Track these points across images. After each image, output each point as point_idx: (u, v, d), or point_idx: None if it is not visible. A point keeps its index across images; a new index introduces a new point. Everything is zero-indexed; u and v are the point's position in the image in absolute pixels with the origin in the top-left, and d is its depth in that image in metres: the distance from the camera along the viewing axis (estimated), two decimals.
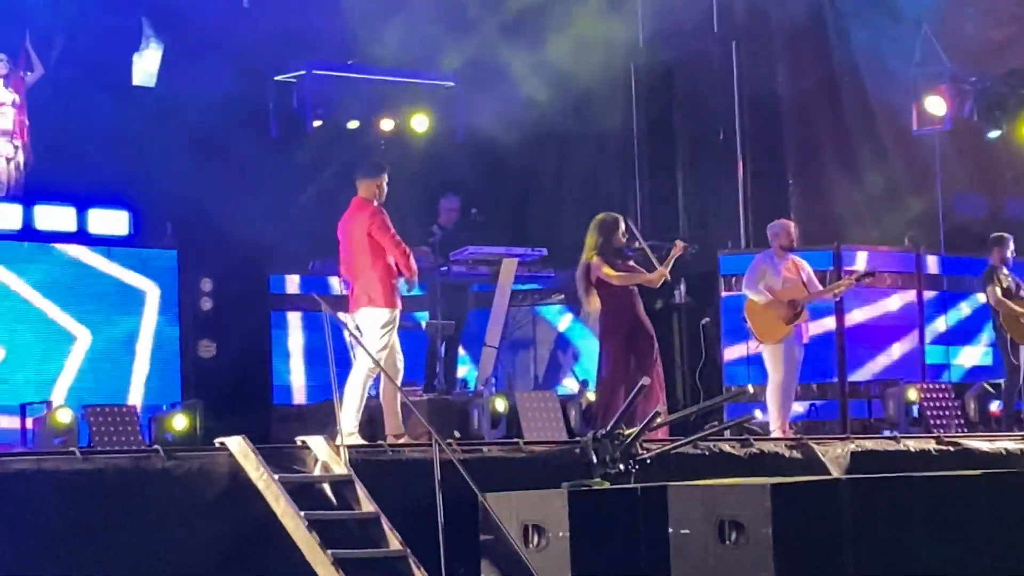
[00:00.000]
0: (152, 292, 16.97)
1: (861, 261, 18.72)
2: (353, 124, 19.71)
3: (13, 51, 17.24)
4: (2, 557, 10.52)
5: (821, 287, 16.45)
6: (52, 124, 17.71)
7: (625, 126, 21.69)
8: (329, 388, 13.13)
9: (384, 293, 13.53)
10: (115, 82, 18.95)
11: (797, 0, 20.95)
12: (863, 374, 18.87)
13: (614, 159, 21.56)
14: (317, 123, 19.34)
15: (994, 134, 20.26)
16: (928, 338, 19.45)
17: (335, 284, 17.75)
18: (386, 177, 13.91)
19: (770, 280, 16.08)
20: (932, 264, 19.80)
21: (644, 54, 21.32)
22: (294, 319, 18.41)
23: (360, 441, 13.28)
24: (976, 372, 19.44)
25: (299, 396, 18.07)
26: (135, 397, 16.49)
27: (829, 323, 18.24)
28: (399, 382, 13.63)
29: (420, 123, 20.00)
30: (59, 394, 16.03)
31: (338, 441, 12.14)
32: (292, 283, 18.60)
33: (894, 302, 19.48)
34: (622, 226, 15.05)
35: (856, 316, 18.85)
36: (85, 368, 16.48)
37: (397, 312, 13.61)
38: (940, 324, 19.63)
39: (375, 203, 13.70)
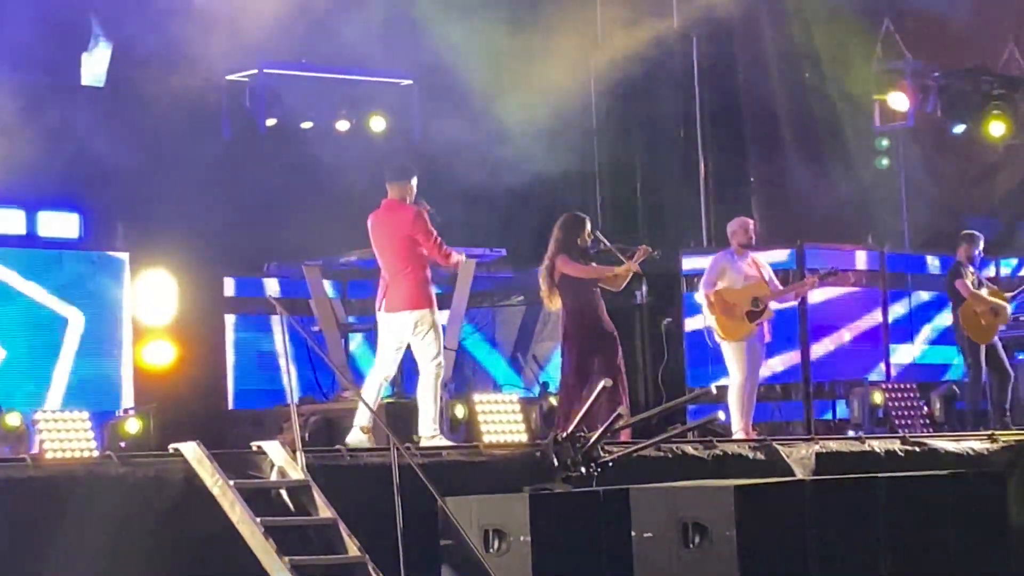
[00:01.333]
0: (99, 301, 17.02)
1: (824, 260, 18.80)
2: (307, 124, 19.65)
3: None
4: None
5: (782, 287, 16.50)
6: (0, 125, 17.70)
7: (585, 125, 21.69)
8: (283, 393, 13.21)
9: (425, 295, 13.92)
10: (64, 82, 18.91)
11: None
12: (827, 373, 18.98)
13: (573, 158, 21.55)
14: (271, 122, 19.26)
15: (959, 129, 20.31)
16: (892, 337, 19.53)
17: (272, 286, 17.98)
18: (416, 180, 14.15)
19: (731, 278, 16.12)
20: (895, 262, 19.88)
21: (604, 50, 21.31)
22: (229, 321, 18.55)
23: (445, 442, 13.61)
24: (942, 369, 19.52)
25: (253, 400, 18.00)
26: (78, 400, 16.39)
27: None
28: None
29: (377, 124, 20.03)
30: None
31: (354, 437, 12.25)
32: (269, 285, 18.69)
33: (859, 301, 19.57)
34: (587, 226, 15.09)
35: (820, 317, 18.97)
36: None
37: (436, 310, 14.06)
38: (903, 321, 19.71)
39: (410, 204, 13.98)
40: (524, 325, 19.84)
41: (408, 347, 14.00)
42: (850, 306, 19.55)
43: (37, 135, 17.88)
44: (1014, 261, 20.34)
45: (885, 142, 21.54)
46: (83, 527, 11.02)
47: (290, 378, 16.26)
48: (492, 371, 19.93)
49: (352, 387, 15.59)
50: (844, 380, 18.94)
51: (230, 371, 18.20)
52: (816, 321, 18.83)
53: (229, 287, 18.61)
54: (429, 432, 13.60)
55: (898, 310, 19.73)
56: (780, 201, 20.94)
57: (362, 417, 13.75)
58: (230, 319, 18.46)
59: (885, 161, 21.59)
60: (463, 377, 18.22)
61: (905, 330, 19.64)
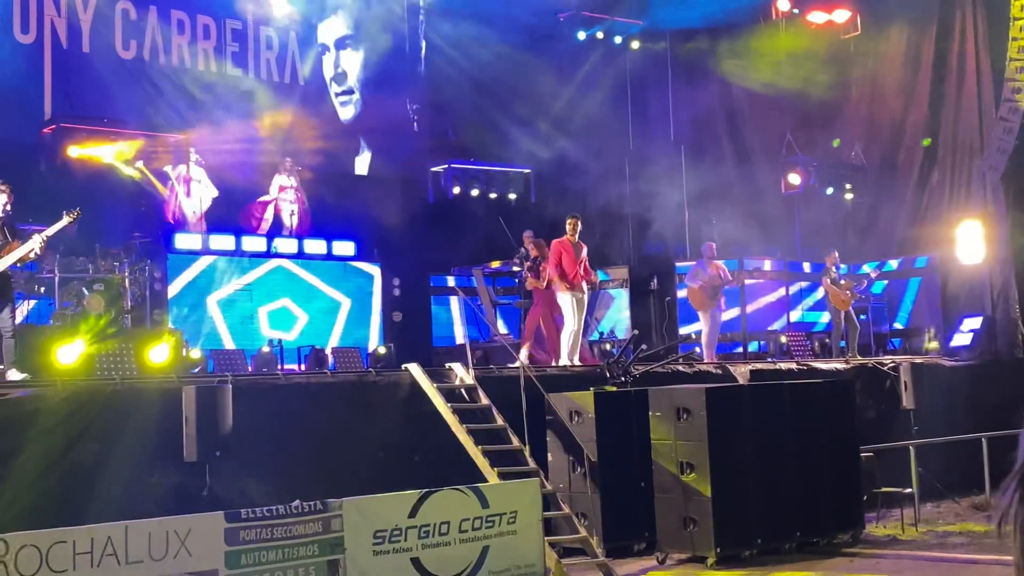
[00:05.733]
0: (365, 289, 17.18)
1: (750, 264, 18.78)
2: (475, 192, 19.09)
3: None
4: (289, 431, 10.69)
5: (731, 279, 16.53)
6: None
7: None
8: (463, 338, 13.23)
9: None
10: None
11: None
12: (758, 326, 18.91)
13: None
14: (456, 191, 18.99)
15: (829, 191, 20.14)
16: (792, 307, 19.44)
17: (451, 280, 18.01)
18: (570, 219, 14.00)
19: (701, 276, 16.17)
20: (792, 265, 19.79)
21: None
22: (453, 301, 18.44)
23: (574, 361, 13.53)
24: (819, 326, 19.42)
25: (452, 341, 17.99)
26: (355, 342, 16.61)
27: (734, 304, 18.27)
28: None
29: (512, 195, 19.49)
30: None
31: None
32: (451, 280, 18.56)
33: (771, 286, 19.51)
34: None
35: (751, 296, 18.92)
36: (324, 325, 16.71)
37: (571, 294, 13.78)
38: (794, 297, 19.61)
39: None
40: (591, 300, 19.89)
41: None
42: (766, 289, 19.49)
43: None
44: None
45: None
46: (356, 412, 11.24)
47: (464, 329, 16.41)
48: None
49: (498, 333, 15.70)
50: (764, 330, 18.86)
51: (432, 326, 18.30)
52: (748, 298, 18.76)
53: (451, 280, 18.53)
54: (565, 360, 13.55)
55: (790, 291, 19.60)
56: (730, 225, 20.67)
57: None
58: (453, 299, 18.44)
59: None
60: None
61: (795, 302, 19.50)
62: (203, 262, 15.84)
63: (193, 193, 16.70)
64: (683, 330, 18.02)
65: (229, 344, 15.47)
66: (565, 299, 13.85)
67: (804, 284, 19.65)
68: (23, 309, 13.00)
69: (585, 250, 14.08)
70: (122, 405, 9.82)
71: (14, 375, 10.15)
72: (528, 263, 15.12)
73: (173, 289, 15.33)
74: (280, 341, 15.05)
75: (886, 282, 19.23)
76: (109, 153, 15.50)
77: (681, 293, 17.85)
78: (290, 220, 17.46)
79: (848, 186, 20.10)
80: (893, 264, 19.57)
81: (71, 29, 16.27)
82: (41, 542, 7.41)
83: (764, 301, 19.29)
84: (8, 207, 10.52)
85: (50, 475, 9.26)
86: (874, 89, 20.33)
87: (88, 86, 16.16)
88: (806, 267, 19.85)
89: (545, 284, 14.24)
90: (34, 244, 10.50)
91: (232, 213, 17.16)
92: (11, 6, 15.80)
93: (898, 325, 19.36)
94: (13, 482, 9.06)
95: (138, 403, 9.93)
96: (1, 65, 15.26)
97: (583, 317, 14.11)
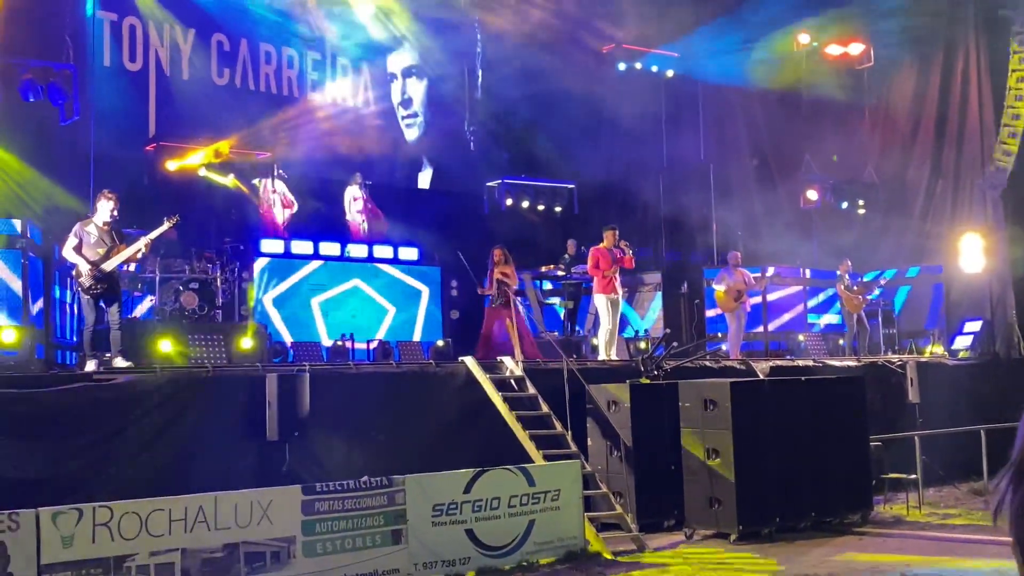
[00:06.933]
0: (425, 290, 17.23)
1: (772, 271, 18.63)
2: (525, 204, 18.96)
3: None
4: (359, 414, 10.70)
5: (754, 284, 16.39)
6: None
7: None
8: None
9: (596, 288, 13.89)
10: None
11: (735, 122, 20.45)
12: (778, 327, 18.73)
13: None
14: (508, 202, 18.73)
15: (844, 205, 19.93)
16: (808, 309, 19.23)
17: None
18: (608, 230, 13.95)
19: (727, 280, 16.04)
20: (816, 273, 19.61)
21: None
22: None
23: (614, 356, 13.51)
24: (833, 327, 19.18)
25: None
26: (418, 336, 16.65)
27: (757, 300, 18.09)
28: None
29: (557, 208, 19.11)
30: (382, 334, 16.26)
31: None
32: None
33: (793, 293, 19.32)
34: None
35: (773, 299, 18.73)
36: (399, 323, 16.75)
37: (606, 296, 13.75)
38: (813, 303, 19.40)
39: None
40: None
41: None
42: (786, 293, 19.30)
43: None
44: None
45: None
46: (419, 399, 11.27)
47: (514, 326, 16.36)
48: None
49: (545, 331, 15.65)
50: (783, 330, 18.67)
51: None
52: (770, 303, 18.59)
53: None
54: (603, 356, 13.52)
55: (807, 295, 19.39)
56: (752, 238, 20.50)
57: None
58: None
59: None
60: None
61: (810, 305, 19.28)
62: (294, 267, 15.98)
63: (276, 204, 16.85)
64: (710, 329, 17.88)
65: (324, 340, 15.53)
66: (601, 300, 13.83)
67: (821, 289, 19.44)
68: (144, 305, 13.19)
69: (630, 250, 14.04)
70: (213, 390, 9.94)
71: (120, 362, 10.30)
72: (561, 267, 15.11)
73: (264, 291, 15.48)
74: (352, 334, 15.12)
75: (884, 287, 18.98)
76: (202, 161, 15.70)
77: (717, 289, 17.67)
78: (361, 228, 17.56)
79: (861, 202, 19.87)
80: (900, 272, 19.31)
81: (173, 59, 16.52)
82: (142, 510, 7.52)
83: (784, 303, 19.09)
84: (115, 213, 10.68)
85: (151, 451, 9.39)
86: (886, 114, 20.19)
87: (187, 109, 16.39)
88: (820, 274, 19.65)
89: (490, 290, 13.55)
90: (139, 245, 10.66)
91: (309, 222, 17.27)
92: (121, 38, 16.07)
93: (905, 327, 19.11)
94: (118, 457, 9.20)
95: (227, 388, 10.04)
96: (112, 91, 15.51)
97: (618, 317, 14.07)
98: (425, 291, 17.21)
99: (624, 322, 17.25)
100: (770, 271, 18.11)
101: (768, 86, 20.08)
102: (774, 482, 10.76)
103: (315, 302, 15.99)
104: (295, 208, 16.83)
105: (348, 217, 17.63)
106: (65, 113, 12.87)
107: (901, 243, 19.42)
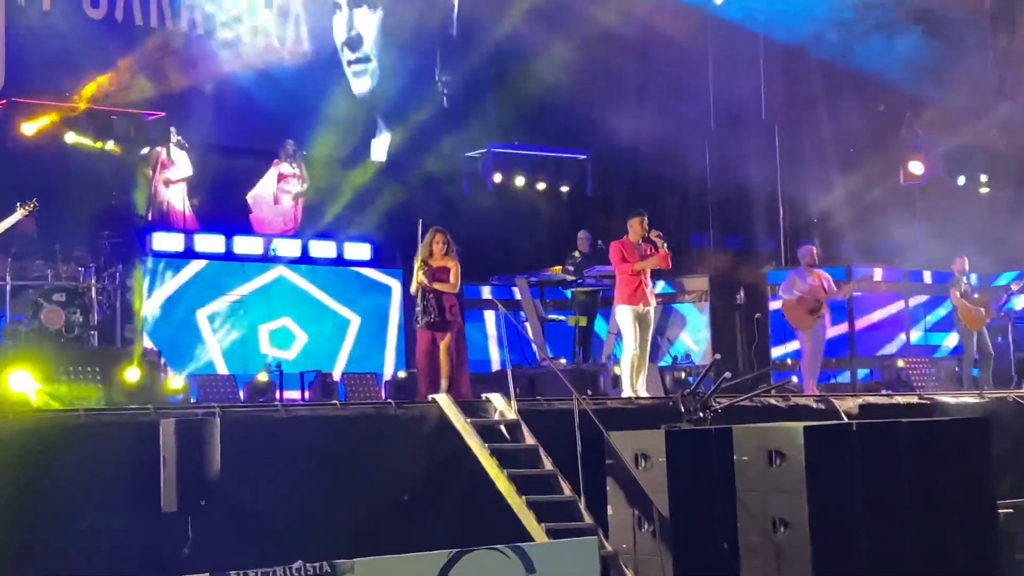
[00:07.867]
0: (382, 301, 17.20)
1: (860, 273, 18.62)
2: (520, 182, 19.40)
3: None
4: (289, 473, 10.72)
5: (836, 291, 16.41)
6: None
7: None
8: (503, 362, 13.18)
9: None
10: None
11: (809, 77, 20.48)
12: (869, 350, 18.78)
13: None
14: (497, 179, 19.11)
15: (961, 181, 19.98)
16: (912, 325, 19.26)
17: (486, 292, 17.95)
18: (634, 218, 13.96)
19: (799, 286, 16.06)
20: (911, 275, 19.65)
21: None
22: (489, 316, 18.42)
23: (643, 392, 13.55)
24: (953, 351, 19.21)
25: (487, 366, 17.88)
26: (372, 365, 16.59)
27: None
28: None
29: (563, 186, 19.73)
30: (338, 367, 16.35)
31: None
32: (486, 291, 18.53)
33: (888, 302, 19.35)
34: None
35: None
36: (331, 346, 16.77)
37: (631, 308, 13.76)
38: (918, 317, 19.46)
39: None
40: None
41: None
42: (879, 303, 19.33)
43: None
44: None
45: None
46: (372, 450, 11.23)
47: (506, 351, 16.38)
48: None
49: (547, 357, 15.67)
50: (876, 355, 18.71)
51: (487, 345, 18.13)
52: (857, 314, 18.62)
53: (487, 292, 18.48)
54: (628, 392, 13.54)
55: (910, 306, 19.44)
56: (834, 232, 20.62)
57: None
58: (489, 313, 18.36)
59: None
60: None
61: (915, 319, 19.34)
62: (191, 268, 15.99)
63: (172, 183, 16.81)
64: (776, 352, 17.90)
65: (220, 368, 15.55)
66: (625, 314, 13.78)
67: (926, 297, 19.48)
68: None
69: (665, 245, 14.00)
70: (86, 443, 9.89)
71: None
72: (570, 268, 15.12)
73: (151, 302, 15.45)
74: (279, 364, 15.11)
75: None
76: (68, 118, 15.67)
77: (775, 305, 17.69)
78: (292, 217, 17.54)
79: (984, 177, 19.94)
80: None
81: None
82: None
83: (876, 318, 19.13)
84: None
85: None
86: (1020, 54, 20.27)
87: (47, 53, 16.33)
88: (928, 277, 19.68)
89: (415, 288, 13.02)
90: None
91: (219, 207, 17.25)
92: None
93: None
94: None
95: (107, 440, 9.99)
96: None
97: (648, 336, 14.02)
98: (381, 305, 17.17)
99: (657, 344, 17.30)
100: (854, 273, 18.16)
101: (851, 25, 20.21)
102: (865, 565, 10.74)
103: (219, 318, 16.02)
104: (194, 187, 16.75)
105: (274, 202, 17.60)
106: None
107: None
